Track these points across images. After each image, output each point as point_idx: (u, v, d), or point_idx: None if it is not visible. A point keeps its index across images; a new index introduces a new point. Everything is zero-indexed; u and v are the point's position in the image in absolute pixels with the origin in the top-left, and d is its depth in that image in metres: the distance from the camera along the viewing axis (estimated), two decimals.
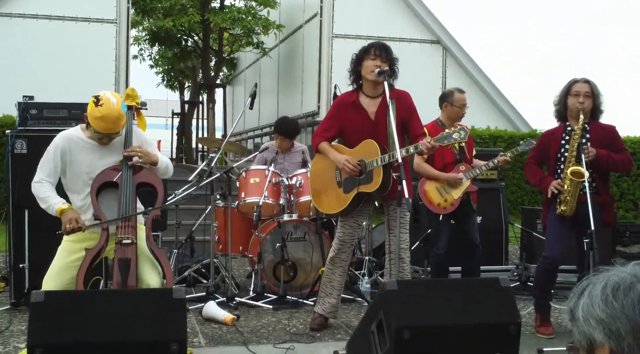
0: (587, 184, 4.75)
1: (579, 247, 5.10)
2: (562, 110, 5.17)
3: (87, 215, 3.99)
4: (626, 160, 5.14)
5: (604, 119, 5.24)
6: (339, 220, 5.05)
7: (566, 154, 5.07)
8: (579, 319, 1.33)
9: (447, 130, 4.59)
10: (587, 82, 5.08)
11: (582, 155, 4.84)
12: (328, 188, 4.95)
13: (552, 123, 5.36)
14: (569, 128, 5.14)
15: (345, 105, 4.95)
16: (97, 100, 3.90)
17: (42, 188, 3.95)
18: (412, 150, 4.60)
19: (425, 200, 5.88)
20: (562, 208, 5.00)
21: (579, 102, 5.00)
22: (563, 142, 5.14)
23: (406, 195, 4.11)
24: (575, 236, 5.13)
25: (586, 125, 5.03)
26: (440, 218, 5.92)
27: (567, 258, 5.29)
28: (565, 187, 4.95)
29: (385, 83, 4.62)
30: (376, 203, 5.73)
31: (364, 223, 6.93)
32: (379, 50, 4.79)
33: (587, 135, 5.05)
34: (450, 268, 6.17)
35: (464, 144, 5.76)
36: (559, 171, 5.13)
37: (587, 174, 4.78)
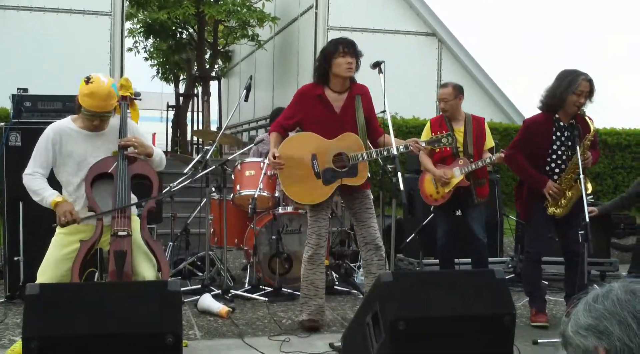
0: (582, 181, 4.79)
1: (563, 237, 5.16)
2: (557, 103, 5.05)
3: (77, 206, 3.96)
4: (598, 157, 5.31)
5: (599, 111, 5.26)
6: (310, 216, 4.98)
7: (559, 152, 5.05)
8: (571, 336, 1.36)
9: (435, 135, 4.93)
10: (589, 80, 4.98)
11: (579, 159, 4.83)
12: (303, 178, 4.84)
13: None
14: (561, 123, 5.08)
15: (309, 97, 4.95)
16: (87, 79, 3.94)
17: (35, 181, 3.91)
18: (402, 149, 4.78)
19: (421, 190, 6.05)
20: (556, 210, 5.01)
21: (581, 102, 4.97)
22: (554, 137, 5.09)
23: (401, 187, 4.12)
24: (557, 228, 5.20)
25: (573, 121, 5.02)
26: (432, 209, 6.11)
27: (555, 249, 5.35)
28: (569, 194, 4.96)
29: (381, 77, 4.65)
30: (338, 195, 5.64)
31: None
32: (347, 47, 4.83)
33: (576, 132, 4.99)
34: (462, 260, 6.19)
35: (470, 138, 5.78)
36: (547, 168, 5.09)
37: (590, 187, 4.85)
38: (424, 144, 4.82)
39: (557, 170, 5.07)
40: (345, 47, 4.82)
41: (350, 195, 4.97)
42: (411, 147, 4.74)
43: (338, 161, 4.84)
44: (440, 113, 6.06)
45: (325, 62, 4.88)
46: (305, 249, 5.04)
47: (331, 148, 4.83)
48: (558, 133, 5.08)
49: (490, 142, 5.94)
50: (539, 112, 5.19)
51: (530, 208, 5.21)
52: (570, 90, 4.96)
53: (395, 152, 4.36)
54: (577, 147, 4.87)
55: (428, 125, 6.00)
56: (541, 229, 5.19)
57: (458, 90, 5.96)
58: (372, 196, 4.69)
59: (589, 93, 5.00)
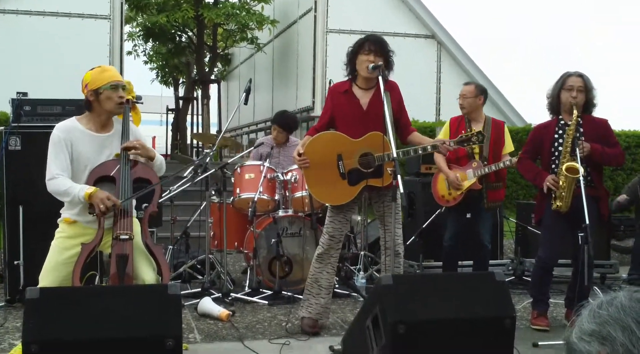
0: (582, 179, 4.77)
1: (574, 241, 5.10)
2: (555, 104, 5.19)
3: (78, 208, 3.94)
4: (619, 154, 5.15)
5: (598, 113, 5.27)
6: (329, 215, 4.95)
7: (560, 148, 5.08)
8: (575, 343, 1.37)
9: (465, 133, 4.79)
10: (580, 76, 5.10)
11: (577, 150, 4.85)
12: (328, 178, 4.80)
13: (546, 117, 5.37)
14: (562, 122, 5.16)
15: (337, 93, 4.95)
16: (90, 69, 4.04)
17: (60, 182, 3.84)
18: (429, 149, 4.76)
19: (434, 190, 6.07)
20: (558, 203, 5.01)
21: (572, 96, 5.02)
22: (556, 135, 5.16)
23: (401, 190, 4.11)
24: (570, 230, 5.14)
25: (579, 119, 5.04)
26: (443, 210, 6.10)
27: (563, 252, 5.30)
28: (561, 183, 4.96)
29: (380, 78, 4.61)
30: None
31: (359, 218, 6.95)
32: (374, 45, 4.77)
33: (581, 129, 5.05)
34: (464, 263, 6.21)
35: (487, 140, 5.80)
36: (553, 166, 5.14)
37: (582, 170, 4.79)
38: (452, 144, 4.70)
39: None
40: (372, 45, 4.76)
41: (378, 195, 4.92)
42: (440, 148, 4.70)
43: (364, 161, 4.78)
44: (456, 115, 6.11)
45: (352, 58, 4.87)
46: (317, 247, 5.03)
47: (357, 149, 4.78)
48: (560, 132, 5.14)
49: (509, 146, 5.94)
50: (537, 112, 5.30)
51: (542, 212, 5.24)
52: (560, 87, 5.13)
53: (395, 155, 4.33)
54: (572, 140, 4.97)
55: (447, 124, 6.08)
56: (550, 233, 5.16)
57: (479, 91, 5.98)
58: (400, 202, 4.54)
59: (585, 88, 5.05)
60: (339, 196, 4.85)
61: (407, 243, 6.80)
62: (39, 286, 3.71)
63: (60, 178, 3.85)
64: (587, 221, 4.60)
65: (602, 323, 1.33)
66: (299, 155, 4.78)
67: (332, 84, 7.70)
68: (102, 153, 3.99)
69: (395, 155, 4.31)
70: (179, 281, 6.35)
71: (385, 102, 4.48)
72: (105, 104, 3.97)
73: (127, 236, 3.82)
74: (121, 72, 11.58)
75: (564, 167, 4.92)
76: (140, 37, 18.63)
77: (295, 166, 6.33)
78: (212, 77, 19.33)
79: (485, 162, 5.76)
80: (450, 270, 5.99)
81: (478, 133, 4.68)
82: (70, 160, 3.92)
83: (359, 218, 6.98)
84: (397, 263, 4.84)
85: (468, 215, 5.91)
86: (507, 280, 4.02)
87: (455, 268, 6.05)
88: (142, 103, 4.43)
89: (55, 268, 3.88)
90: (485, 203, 5.80)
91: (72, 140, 3.92)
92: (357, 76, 4.90)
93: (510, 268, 7.01)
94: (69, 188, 3.83)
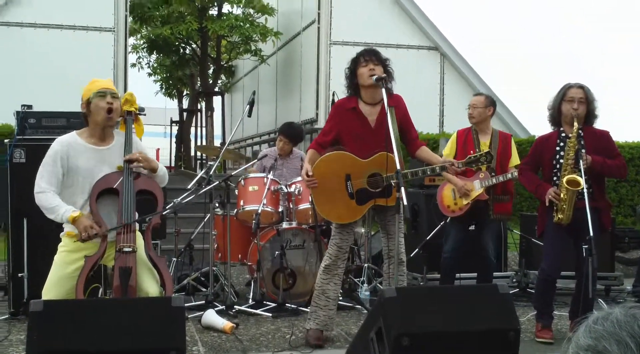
0: (585, 191, 4.75)
1: (577, 253, 5.09)
2: (556, 116, 5.17)
3: None
4: (621, 165, 5.13)
5: (600, 124, 5.26)
6: (335, 227, 4.97)
7: (561, 161, 5.07)
8: None
9: (474, 154, 4.82)
10: (581, 87, 5.08)
11: (581, 162, 4.84)
12: (336, 197, 4.83)
13: (549, 129, 5.36)
14: (563, 134, 5.14)
15: (344, 110, 4.95)
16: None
17: (48, 198, 3.84)
18: (438, 171, 4.80)
19: (439, 199, 6.06)
20: (559, 216, 5.00)
21: (573, 108, 5.01)
22: (558, 148, 5.14)
23: (405, 202, 4.11)
24: (573, 242, 5.13)
25: (580, 131, 5.03)
26: (448, 220, 6.11)
27: (566, 264, 5.29)
28: (562, 196, 4.95)
29: (383, 90, 4.62)
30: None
31: (363, 231, 6.95)
32: (368, 55, 4.83)
33: (582, 142, 5.04)
34: (463, 275, 6.19)
35: (494, 152, 5.81)
36: (555, 178, 5.13)
37: (583, 182, 4.78)
38: (460, 165, 4.75)
39: None
40: (366, 56, 4.82)
41: (383, 210, 4.94)
42: (448, 169, 4.73)
43: (372, 182, 4.79)
44: (449, 130, 6.12)
45: (352, 75, 4.91)
46: (324, 259, 5.03)
47: (366, 169, 4.79)
48: (562, 144, 5.12)
49: (515, 159, 5.94)
50: (540, 124, 5.28)
51: (544, 224, 5.23)
52: (561, 98, 5.12)
53: (399, 167, 4.33)
54: (574, 152, 4.95)
55: (454, 137, 6.09)
56: (552, 245, 5.14)
57: (489, 102, 6.04)
58: (404, 215, 4.51)
59: (586, 100, 5.04)
60: (347, 215, 4.88)
61: (411, 255, 6.80)
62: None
63: (49, 194, 3.86)
64: (591, 234, 4.59)
65: (598, 337, 1.33)
66: (307, 175, 4.80)
67: (335, 96, 7.74)
68: (103, 165, 3.99)
69: (399, 167, 4.31)
70: (183, 293, 6.36)
71: (389, 118, 4.49)
72: (95, 115, 3.97)
73: (130, 249, 3.83)
74: (125, 84, 11.65)
75: (564, 180, 4.92)
76: (145, 50, 18.72)
77: (299, 178, 6.35)
78: (216, 89, 19.36)
79: (492, 174, 5.77)
80: (447, 282, 5.97)
81: (487, 154, 4.72)
82: (64, 174, 3.92)
83: (363, 230, 6.98)
84: (401, 271, 4.84)
85: (472, 227, 5.91)
86: (511, 292, 4.01)
87: (452, 280, 6.03)
88: (144, 115, 4.45)
89: (59, 282, 3.87)
90: (492, 213, 5.80)
91: (70, 153, 3.92)
92: (362, 92, 4.91)
93: (514, 280, 6.99)
94: (56, 207, 3.84)
